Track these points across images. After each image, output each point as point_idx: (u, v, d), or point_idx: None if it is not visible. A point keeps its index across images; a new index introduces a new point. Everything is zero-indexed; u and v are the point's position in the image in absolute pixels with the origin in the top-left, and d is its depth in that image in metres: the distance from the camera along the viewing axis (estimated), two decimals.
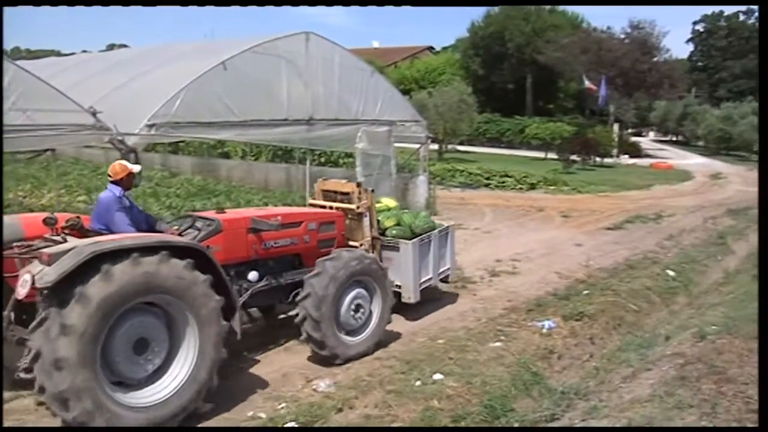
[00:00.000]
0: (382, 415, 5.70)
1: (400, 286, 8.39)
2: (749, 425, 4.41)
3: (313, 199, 8.92)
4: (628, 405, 5.08)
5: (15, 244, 5.74)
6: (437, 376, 6.44)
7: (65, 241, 5.54)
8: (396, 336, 7.96)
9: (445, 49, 67.53)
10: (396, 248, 8.53)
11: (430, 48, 66.69)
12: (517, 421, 5.63)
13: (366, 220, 8.28)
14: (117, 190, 6.15)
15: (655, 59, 44.23)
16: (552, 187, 24.38)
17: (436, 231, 9.10)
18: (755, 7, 65.86)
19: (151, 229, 6.32)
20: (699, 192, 26.26)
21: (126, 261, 4.95)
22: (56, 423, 5.19)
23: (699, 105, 56.50)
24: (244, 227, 6.90)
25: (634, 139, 52.54)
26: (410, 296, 8.54)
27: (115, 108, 9.71)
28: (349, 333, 7.23)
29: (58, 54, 45.43)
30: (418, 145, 16.46)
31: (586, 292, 9.82)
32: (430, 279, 9.01)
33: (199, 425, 5.56)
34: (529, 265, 12.13)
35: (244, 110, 10.86)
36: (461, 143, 40.51)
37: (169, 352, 5.46)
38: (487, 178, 24.80)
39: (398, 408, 5.78)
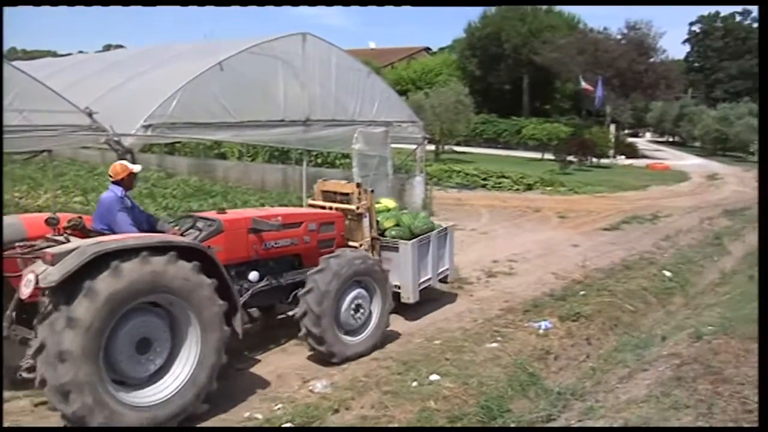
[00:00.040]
0: (378, 416, 5.70)
1: (399, 287, 8.42)
2: (745, 425, 4.42)
3: (313, 199, 8.95)
4: (625, 405, 5.08)
5: (17, 244, 5.78)
6: (434, 377, 6.45)
7: (68, 241, 5.59)
8: (393, 337, 7.97)
9: (441, 49, 67.50)
10: (395, 249, 8.58)
11: (427, 49, 66.68)
12: (513, 422, 5.63)
13: (366, 221, 8.32)
14: (118, 191, 6.21)
15: (651, 60, 44.36)
16: (549, 188, 24.40)
17: (435, 232, 9.13)
18: (751, 8, 66.19)
19: (153, 229, 6.38)
20: (695, 193, 26.31)
21: (135, 259, 5.03)
22: (54, 423, 5.19)
23: (695, 106, 56.65)
24: (244, 228, 6.96)
25: (630, 139, 52.64)
26: (409, 296, 8.58)
27: (111, 109, 9.68)
28: (348, 333, 7.26)
29: (55, 54, 45.40)
30: (414, 146, 16.42)
31: (582, 292, 9.84)
32: (429, 279, 9.06)
33: (196, 426, 5.55)
34: (526, 265, 12.14)
35: (241, 111, 10.83)
36: (458, 144, 40.52)
37: (170, 353, 5.50)
38: (484, 179, 24.81)
39: (395, 409, 5.79)
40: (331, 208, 8.38)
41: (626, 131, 54.05)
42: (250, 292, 6.87)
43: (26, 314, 5.49)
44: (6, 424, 5.35)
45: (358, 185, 8.46)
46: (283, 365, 7.05)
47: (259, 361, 7.15)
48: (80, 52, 30.99)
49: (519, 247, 13.60)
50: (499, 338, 7.84)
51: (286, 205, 12.60)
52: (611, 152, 39.85)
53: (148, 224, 6.47)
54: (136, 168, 6.47)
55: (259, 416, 5.77)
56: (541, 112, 50.37)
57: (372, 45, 66.88)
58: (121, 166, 6.33)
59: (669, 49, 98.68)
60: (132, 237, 5.42)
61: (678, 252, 13.39)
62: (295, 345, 7.57)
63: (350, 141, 13.10)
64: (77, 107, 9.13)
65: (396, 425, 5.57)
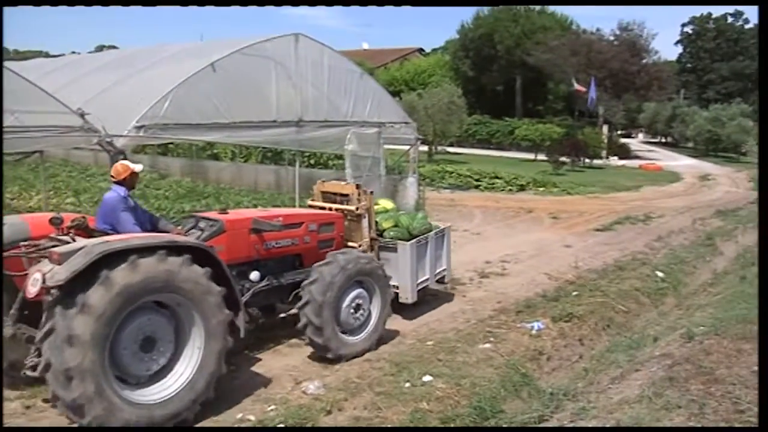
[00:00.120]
0: (371, 417, 5.70)
1: (397, 287, 8.46)
2: (737, 425, 4.43)
3: (312, 200, 9.00)
4: (617, 406, 5.08)
5: (22, 243, 5.80)
6: (426, 378, 6.44)
7: (73, 240, 5.62)
8: (386, 337, 7.95)
9: (434, 50, 67.71)
10: (394, 249, 8.64)
11: (420, 50, 66.80)
12: (506, 423, 5.63)
13: (365, 222, 8.38)
14: (121, 191, 6.31)
15: (644, 61, 44.63)
16: (541, 189, 24.46)
17: (432, 232, 9.19)
18: (743, 9, 66.60)
19: (155, 229, 6.50)
20: (688, 193, 26.42)
21: (152, 257, 5.14)
22: (46, 424, 5.15)
23: (688, 107, 56.86)
24: (246, 228, 7.02)
25: (623, 140, 52.90)
26: (407, 297, 8.65)
27: (103, 109, 9.67)
28: (345, 332, 7.30)
29: (47, 55, 45.28)
30: (407, 147, 16.47)
31: (575, 293, 9.85)
32: (426, 280, 9.13)
33: (189, 427, 5.54)
34: (519, 266, 12.16)
35: (234, 112, 10.84)
36: (451, 145, 40.61)
37: (173, 354, 5.55)
38: (477, 180, 24.85)
39: (387, 410, 5.78)
40: (330, 209, 8.43)
41: (619, 132, 54.21)
42: (251, 291, 6.93)
43: (26, 311, 5.53)
44: None
45: (358, 186, 8.53)
46: (276, 366, 7.04)
47: (252, 361, 7.14)
48: (73, 52, 30.94)
49: (512, 248, 13.62)
50: (491, 339, 7.84)
51: (279, 206, 12.58)
52: (604, 153, 39.99)
53: (151, 224, 6.58)
54: (138, 167, 6.56)
55: (252, 417, 5.76)
56: (534, 113, 50.53)
57: (365, 46, 67.09)
58: (122, 166, 6.41)
59: (661, 50, 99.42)
60: (137, 237, 5.49)
61: (670, 252, 13.43)
62: (288, 346, 7.57)
63: (343, 142, 13.13)
64: (69, 108, 9.12)
65: (389, 426, 5.56)
